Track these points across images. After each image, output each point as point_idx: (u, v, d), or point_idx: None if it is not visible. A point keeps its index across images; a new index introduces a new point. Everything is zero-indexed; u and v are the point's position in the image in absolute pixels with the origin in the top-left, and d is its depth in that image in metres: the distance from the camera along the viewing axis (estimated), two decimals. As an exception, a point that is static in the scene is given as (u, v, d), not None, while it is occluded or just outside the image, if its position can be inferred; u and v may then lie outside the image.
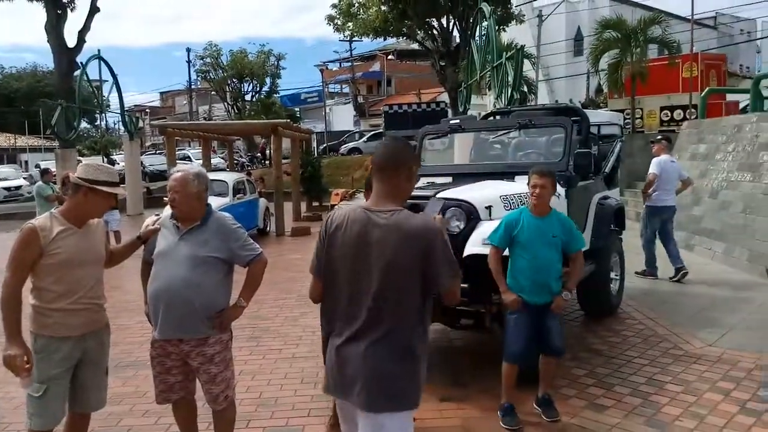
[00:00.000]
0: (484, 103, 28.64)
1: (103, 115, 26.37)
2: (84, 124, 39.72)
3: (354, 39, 34.33)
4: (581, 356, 5.21)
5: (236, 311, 3.20)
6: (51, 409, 2.96)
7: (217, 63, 39.23)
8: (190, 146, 39.39)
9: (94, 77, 22.15)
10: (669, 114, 19.64)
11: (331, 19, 25.95)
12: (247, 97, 40.45)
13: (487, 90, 20.87)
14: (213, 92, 43.39)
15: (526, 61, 17.53)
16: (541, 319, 3.97)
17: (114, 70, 21.12)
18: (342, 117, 47.22)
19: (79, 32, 21.20)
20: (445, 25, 23.79)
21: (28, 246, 2.88)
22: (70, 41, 21.04)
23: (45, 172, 11.11)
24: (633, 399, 4.32)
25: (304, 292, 6.68)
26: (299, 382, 4.83)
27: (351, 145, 32.31)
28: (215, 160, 26.16)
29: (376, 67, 50.56)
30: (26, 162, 37.50)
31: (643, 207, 8.40)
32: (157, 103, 69.80)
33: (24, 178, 28.47)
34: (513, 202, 4.82)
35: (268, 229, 14.29)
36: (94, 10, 21.49)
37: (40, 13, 21.05)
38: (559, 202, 4.89)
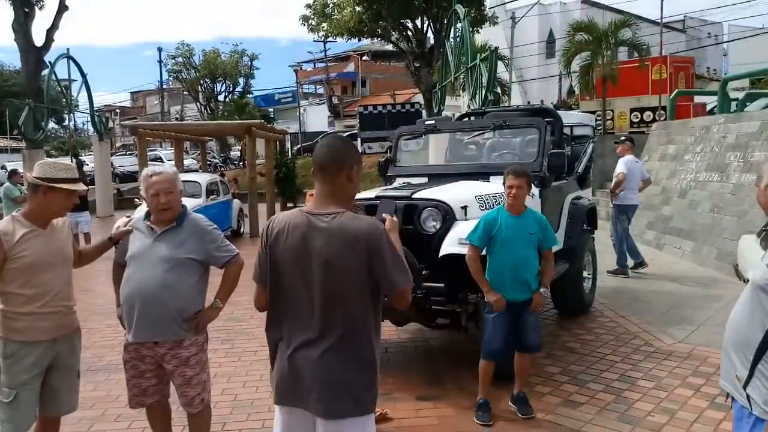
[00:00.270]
0: (459, 104, 28.81)
1: (72, 115, 25.80)
2: (52, 125, 38.88)
3: (328, 39, 34.21)
4: (555, 354, 5.27)
5: (212, 313, 3.17)
6: (21, 414, 2.90)
7: (189, 63, 38.88)
8: (161, 147, 38.90)
9: (63, 76, 21.76)
10: (639, 115, 20.01)
11: (305, 19, 25.80)
12: (220, 98, 40.15)
13: (461, 91, 20.98)
14: (185, 92, 42.95)
15: (499, 62, 17.65)
16: (520, 316, 4.02)
17: (83, 70, 20.72)
18: (316, 118, 47.05)
19: (48, 31, 20.78)
20: (419, 27, 23.85)
21: None
22: (38, 40, 20.64)
23: (13, 173, 10.92)
24: (606, 395, 4.39)
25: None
26: (275, 384, 4.79)
27: (325, 145, 32.15)
28: (188, 161, 25.86)
29: (350, 67, 50.51)
30: (-8, 163, 36.61)
31: (611, 206, 8.61)
32: (127, 103, 68.81)
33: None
34: (488, 203, 4.86)
35: (242, 230, 14.19)
36: (62, 8, 21.07)
37: (7, 11, 20.65)
38: (533, 201, 4.95)
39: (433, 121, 6.55)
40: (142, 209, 3.43)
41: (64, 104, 24.50)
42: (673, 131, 12.13)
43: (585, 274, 6.53)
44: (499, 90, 21.64)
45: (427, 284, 4.45)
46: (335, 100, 46.80)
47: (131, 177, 24.38)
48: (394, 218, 2.56)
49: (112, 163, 23.79)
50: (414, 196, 4.82)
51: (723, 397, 2.32)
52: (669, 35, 30.61)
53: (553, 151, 5.47)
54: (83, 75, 20.87)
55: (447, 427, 4.01)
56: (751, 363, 2.06)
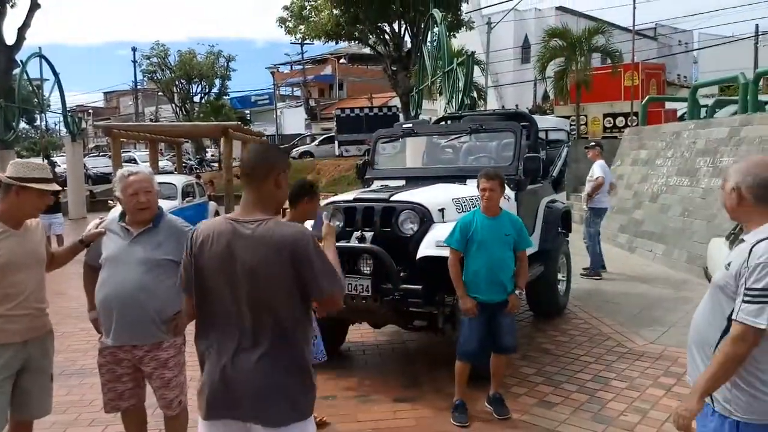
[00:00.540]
0: (436, 108, 28.95)
1: (44, 115, 25.35)
2: (23, 125, 38.09)
3: (306, 42, 34.13)
4: (531, 355, 5.34)
5: (190, 315, 3.14)
6: (-8, 418, 2.84)
7: (164, 63, 38.43)
8: (135, 149, 38.35)
9: (35, 76, 21.41)
10: (612, 121, 20.35)
11: (282, 21, 25.69)
12: (196, 99, 39.75)
13: (438, 95, 21.08)
14: (160, 93, 42.42)
15: (476, 67, 17.79)
16: (495, 318, 4.07)
17: (56, 69, 20.41)
18: (293, 120, 46.88)
19: (19, 29, 20.40)
20: (396, 30, 23.94)
21: None
22: (10, 38, 20.26)
23: (-18, 174, 10.65)
24: (580, 395, 4.46)
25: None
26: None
27: (302, 148, 32.10)
28: (163, 163, 25.54)
29: (327, 70, 50.46)
30: (-40, 164, 35.72)
31: (585, 210, 8.75)
32: (100, 104, 67.66)
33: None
34: (465, 205, 4.92)
35: (218, 232, 14.03)
36: (34, 6, 20.69)
37: (-25, 9, 20.17)
38: (509, 204, 5.02)
39: (410, 125, 6.59)
40: (116, 211, 3.39)
41: (35, 104, 24.03)
42: (644, 136, 12.36)
43: (559, 276, 6.63)
44: (475, 94, 21.76)
45: (405, 286, 4.47)
46: (312, 103, 46.70)
47: (104, 179, 24.02)
48: (332, 224, 2.57)
49: (84, 165, 23.43)
50: (392, 198, 4.85)
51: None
52: (641, 42, 31.23)
53: (528, 155, 5.54)
54: (56, 74, 20.54)
55: (424, 428, 4.03)
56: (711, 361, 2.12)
